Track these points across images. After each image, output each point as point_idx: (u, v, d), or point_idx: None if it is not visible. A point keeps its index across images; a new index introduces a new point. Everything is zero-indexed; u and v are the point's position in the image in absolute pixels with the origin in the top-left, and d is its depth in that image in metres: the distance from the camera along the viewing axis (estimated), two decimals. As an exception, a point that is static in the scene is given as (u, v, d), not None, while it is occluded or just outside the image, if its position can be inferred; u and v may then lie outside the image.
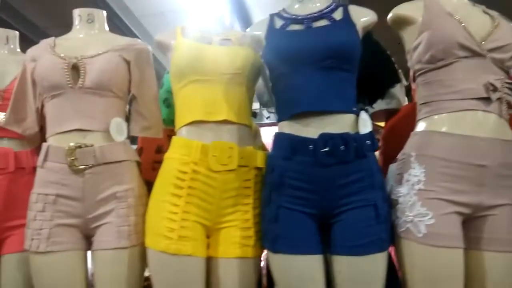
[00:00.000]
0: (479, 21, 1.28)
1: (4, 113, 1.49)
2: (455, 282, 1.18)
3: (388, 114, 1.81)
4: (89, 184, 1.33)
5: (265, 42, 1.31)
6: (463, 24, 1.24)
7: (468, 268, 1.21)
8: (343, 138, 1.20)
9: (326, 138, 1.20)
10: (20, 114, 1.46)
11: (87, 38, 1.48)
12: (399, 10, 1.35)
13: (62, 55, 1.38)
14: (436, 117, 1.25)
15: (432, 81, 1.27)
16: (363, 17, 1.31)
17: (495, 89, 1.20)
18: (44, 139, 1.57)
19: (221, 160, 1.30)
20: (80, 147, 1.33)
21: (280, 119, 1.31)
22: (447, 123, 1.23)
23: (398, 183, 1.27)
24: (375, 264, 1.21)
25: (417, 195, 1.21)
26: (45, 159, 1.35)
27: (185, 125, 1.35)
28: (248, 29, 1.42)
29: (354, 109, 1.26)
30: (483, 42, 1.23)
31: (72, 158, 1.32)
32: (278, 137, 1.29)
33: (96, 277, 1.36)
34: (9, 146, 1.49)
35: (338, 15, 1.32)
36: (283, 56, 1.24)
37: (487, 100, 1.21)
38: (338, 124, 1.22)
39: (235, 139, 1.34)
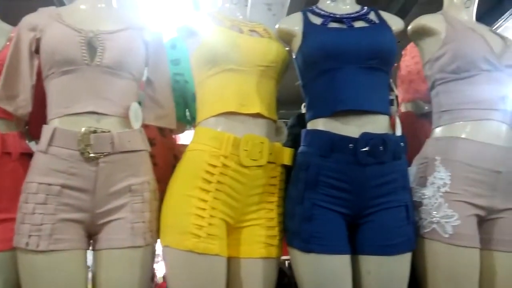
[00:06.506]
0: (493, 39, 1.39)
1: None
2: (474, 281, 1.25)
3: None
4: (102, 175, 1.18)
5: (304, 37, 1.28)
6: (486, 40, 1.34)
7: (480, 267, 1.29)
8: (383, 138, 1.21)
9: (367, 138, 1.20)
10: (12, 90, 1.24)
11: (96, 12, 1.31)
12: (423, 21, 1.41)
13: (76, 27, 1.21)
14: (457, 124, 1.33)
15: (454, 90, 1.35)
16: (395, 24, 1.35)
17: (509, 102, 1.31)
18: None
19: (252, 155, 1.24)
20: (95, 132, 1.17)
21: (314, 117, 1.29)
22: (468, 130, 1.31)
23: (422, 186, 1.32)
24: (404, 264, 1.23)
25: (443, 197, 1.26)
26: (49, 144, 1.16)
27: (213, 116, 1.26)
28: (277, 24, 1.37)
29: (389, 110, 1.28)
30: (500, 58, 1.34)
31: (86, 144, 1.15)
32: (314, 134, 1.27)
33: (100, 280, 1.20)
34: (-6, 126, 1.25)
35: (374, 18, 1.34)
36: (330, 52, 1.22)
37: (502, 111, 1.32)
38: (376, 124, 1.23)
39: (265, 133, 1.28)
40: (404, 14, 3.30)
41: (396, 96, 1.96)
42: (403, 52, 1.99)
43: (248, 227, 1.28)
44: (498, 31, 3.54)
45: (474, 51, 1.31)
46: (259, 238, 1.27)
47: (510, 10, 3.41)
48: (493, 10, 3.60)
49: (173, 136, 1.83)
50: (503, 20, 3.48)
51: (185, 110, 1.77)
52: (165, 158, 1.61)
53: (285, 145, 1.48)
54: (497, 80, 1.33)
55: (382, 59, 1.24)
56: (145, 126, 1.41)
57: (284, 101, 2.14)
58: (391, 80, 1.91)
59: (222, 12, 1.40)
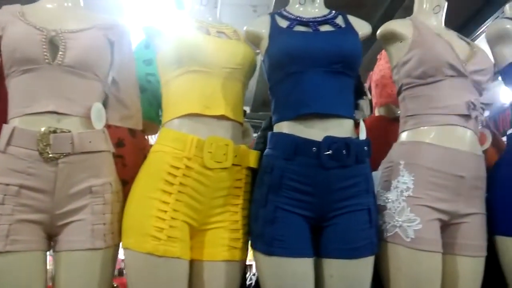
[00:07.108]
0: (460, 45, 1.41)
1: None
2: (436, 285, 1.26)
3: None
4: (62, 175, 1.16)
5: (270, 40, 1.28)
6: (451, 46, 1.35)
7: (442, 271, 1.30)
8: (346, 142, 1.21)
9: (330, 142, 1.20)
10: (-28, 88, 1.23)
11: (62, 11, 1.30)
12: (391, 26, 1.42)
13: (38, 25, 1.20)
14: (422, 128, 1.34)
15: (420, 95, 1.36)
16: (362, 28, 1.35)
17: (474, 108, 1.32)
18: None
19: (216, 157, 1.23)
20: (54, 132, 1.15)
21: (279, 120, 1.29)
22: (433, 135, 1.32)
23: (386, 190, 1.32)
24: (366, 268, 1.23)
25: (406, 201, 1.27)
26: (8, 143, 1.14)
27: (177, 117, 1.25)
28: (245, 27, 1.37)
29: (354, 115, 1.29)
30: (465, 64, 1.35)
31: (45, 144, 1.14)
32: (278, 137, 1.26)
33: (60, 282, 1.18)
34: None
35: (340, 22, 1.34)
36: (295, 56, 1.22)
37: (466, 117, 1.33)
38: (340, 128, 1.24)
39: (230, 136, 1.28)
40: (388, 18, 3.31)
41: (370, 100, 1.96)
42: (378, 57, 2.00)
43: (212, 229, 1.27)
44: (480, 37, 3.60)
45: (439, 56, 1.32)
46: (223, 241, 1.26)
47: (492, 17, 3.46)
48: (475, 16, 3.64)
49: (146, 137, 1.82)
50: (486, 26, 3.53)
51: (158, 110, 1.76)
52: (135, 159, 1.59)
53: (257, 147, 1.47)
54: (462, 86, 1.34)
55: (347, 63, 1.24)
56: (115, 127, 1.40)
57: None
58: (364, 85, 1.92)
59: (191, 13, 1.40)
